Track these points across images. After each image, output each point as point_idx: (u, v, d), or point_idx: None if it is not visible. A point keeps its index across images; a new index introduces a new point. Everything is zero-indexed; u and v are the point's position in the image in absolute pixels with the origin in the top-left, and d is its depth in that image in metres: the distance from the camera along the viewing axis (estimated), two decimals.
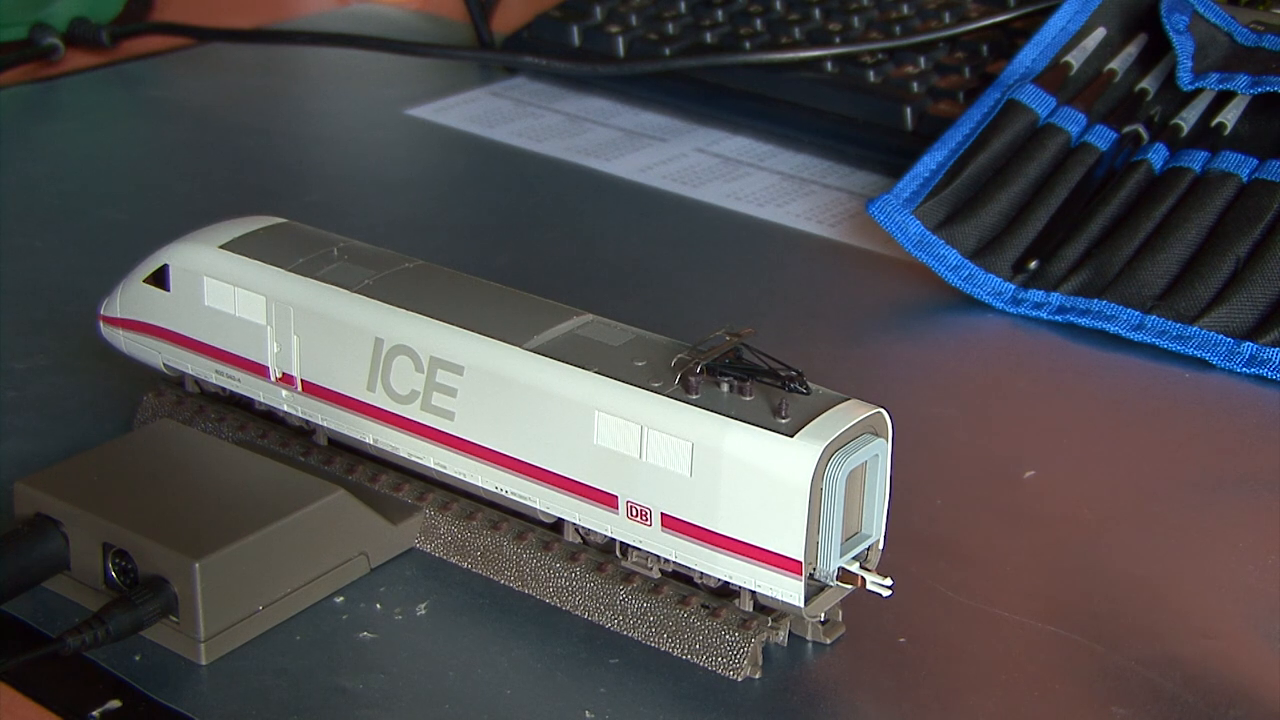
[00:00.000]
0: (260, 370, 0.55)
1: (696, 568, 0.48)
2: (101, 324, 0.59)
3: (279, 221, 0.58)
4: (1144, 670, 0.48)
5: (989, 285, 0.71)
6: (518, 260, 0.74)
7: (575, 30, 0.94)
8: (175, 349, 0.57)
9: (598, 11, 0.95)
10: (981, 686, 0.48)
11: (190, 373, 0.57)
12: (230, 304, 0.54)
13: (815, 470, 0.45)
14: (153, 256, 0.57)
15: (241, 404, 0.58)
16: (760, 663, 0.48)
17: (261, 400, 0.55)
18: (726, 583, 0.48)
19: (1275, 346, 0.65)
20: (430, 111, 0.92)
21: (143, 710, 0.46)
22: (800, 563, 0.45)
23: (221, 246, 0.55)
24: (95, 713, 0.45)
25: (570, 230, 0.78)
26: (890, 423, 0.47)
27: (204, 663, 0.47)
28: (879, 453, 0.47)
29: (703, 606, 0.48)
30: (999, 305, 0.70)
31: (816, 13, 0.93)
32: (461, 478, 0.51)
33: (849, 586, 0.47)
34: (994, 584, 0.52)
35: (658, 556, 0.49)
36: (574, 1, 0.96)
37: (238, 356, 0.55)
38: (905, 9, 0.92)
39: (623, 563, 0.50)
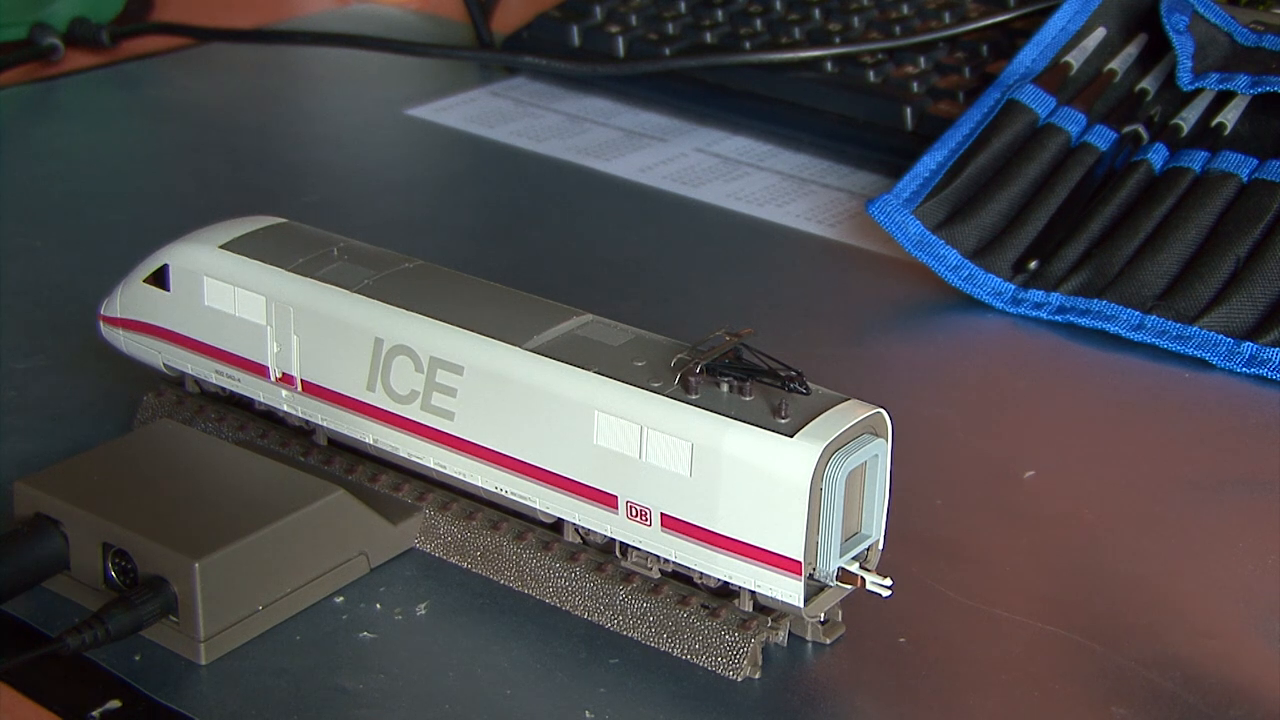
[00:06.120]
0: (260, 370, 0.55)
1: (696, 568, 0.48)
2: (101, 324, 0.59)
3: (279, 221, 0.58)
4: (1144, 670, 0.48)
5: (989, 285, 0.71)
6: (518, 260, 0.74)
7: (575, 30, 0.94)
8: (175, 349, 0.57)
9: (598, 11, 0.95)
10: (981, 686, 0.48)
11: (190, 373, 0.57)
12: (230, 304, 0.54)
13: (815, 470, 0.45)
14: (153, 256, 0.57)
15: (241, 404, 0.58)
16: (760, 663, 0.48)
17: (261, 400, 0.55)
18: (726, 583, 0.48)
19: (1275, 346, 0.65)
20: (430, 111, 0.92)
21: (143, 710, 0.46)
22: (800, 563, 0.45)
23: (221, 246, 0.55)
24: (95, 713, 0.45)
25: (570, 230, 0.78)
26: (890, 423, 0.47)
27: (204, 663, 0.47)
28: (879, 453, 0.47)
29: (702, 607, 0.48)
30: (999, 305, 0.70)
31: (816, 13, 0.93)
32: (461, 478, 0.51)
33: (849, 586, 0.47)
34: (994, 584, 0.52)
35: (657, 556, 0.49)
36: (574, 1, 0.96)
37: (238, 356, 0.55)
38: (905, 9, 0.92)
39: (622, 563, 0.50)
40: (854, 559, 0.47)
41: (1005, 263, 0.71)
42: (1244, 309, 0.66)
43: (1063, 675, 0.48)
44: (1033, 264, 0.71)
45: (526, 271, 0.72)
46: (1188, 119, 0.75)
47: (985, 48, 0.87)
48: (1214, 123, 0.74)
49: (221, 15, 1.02)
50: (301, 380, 0.54)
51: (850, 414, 0.46)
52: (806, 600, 0.46)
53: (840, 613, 0.49)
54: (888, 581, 0.47)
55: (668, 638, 0.48)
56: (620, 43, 0.92)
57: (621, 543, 0.50)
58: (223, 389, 0.57)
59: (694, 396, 0.47)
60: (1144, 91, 0.77)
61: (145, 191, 0.82)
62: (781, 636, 0.48)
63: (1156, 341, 0.67)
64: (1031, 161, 0.74)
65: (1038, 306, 0.69)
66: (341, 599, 0.50)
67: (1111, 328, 0.67)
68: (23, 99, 0.93)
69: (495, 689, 0.47)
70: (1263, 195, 0.70)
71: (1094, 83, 0.77)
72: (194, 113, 0.92)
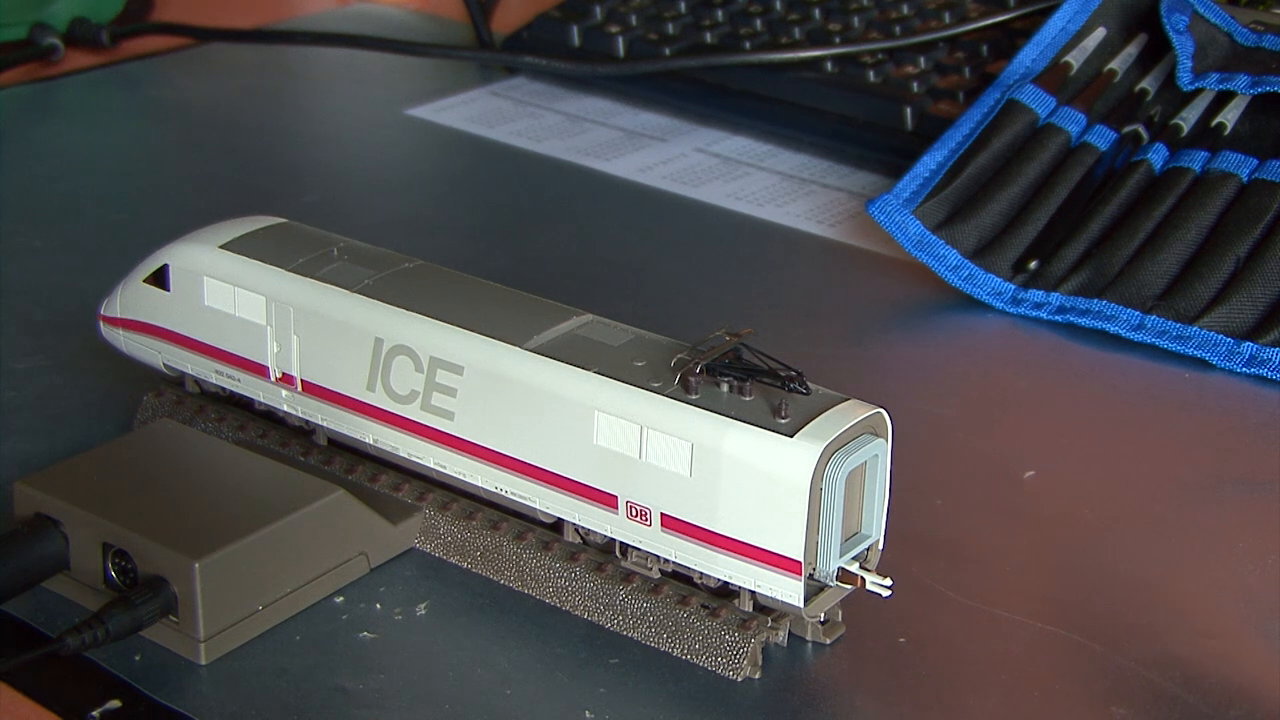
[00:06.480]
0: (260, 370, 0.55)
1: (696, 568, 0.48)
2: (101, 324, 0.59)
3: (279, 221, 0.58)
4: (1144, 670, 0.48)
5: (989, 285, 0.71)
6: (518, 260, 0.74)
7: (575, 30, 0.94)
8: (175, 349, 0.57)
9: (598, 11, 0.95)
10: (981, 686, 0.48)
11: (190, 373, 0.57)
12: (230, 304, 0.54)
13: (815, 470, 0.45)
14: (153, 256, 0.57)
15: (241, 404, 0.58)
16: (760, 663, 0.48)
17: (261, 400, 0.55)
18: (726, 583, 0.48)
19: (1275, 346, 0.65)
20: (430, 111, 0.92)
21: (143, 710, 0.46)
22: (800, 563, 0.45)
23: (221, 246, 0.55)
24: (95, 713, 0.45)
25: (570, 230, 0.78)
26: (890, 423, 0.47)
27: (204, 663, 0.47)
28: (879, 453, 0.47)
29: (702, 607, 0.48)
30: (999, 305, 0.70)
31: (816, 13, 0.93)
32: (461, 478, 0.51)
33: (849, 586, 0.47)
34: (994, 584, 0.52)
35: (657, 556, 0.49)
36: (574, 1, 0.96)
37: (238, 356, 0.55)
38: (905, 9, 0.92)
39: (623, 563, 0.50)
40: (854, 559, 0.47)
41: (1005, 263, 0.71)
42: (1244, 309, 0.66)
43: (1063, 675, 0.48)
44: (1033, 264, 0.71)
45: (526, 271, 0.72)
46: (1188, 119, 0.75)
47: (985, 48, 0.87)
48: (1214, 123, 0.74)
49: (221, 15, 1.02)
50: (301, 380, 0.54)
51: (850, 414, 0.46)
52: (806, 600, 0.46)
53: (840, 613, 0.49)
54: (888, 581, 0.47)
55: (668, 638, 0.48)
56: (620, 43, 0.93)
57: (621, 543, 0.50)
58: (223, 389, 0.57)
59: (694, 396, 0.47)
60: (1144, 91, 0.77)
61: (145, 191, 0.82)
62: (781, 636, 0.48)
63: (1156, 341, 0.67)
64: (1031, 161, 0.74)
65: (1038, 306, 0.69)
66: (341, 599, 0.50)
67: (1111, 328, 0.67)
68: (23, 99, 0.93)
69: (495, 689, 0.47)
70: (1263, 195, 0.70)
71: (1094, 83, 0.77)
72: (194, 113, 0.92)
